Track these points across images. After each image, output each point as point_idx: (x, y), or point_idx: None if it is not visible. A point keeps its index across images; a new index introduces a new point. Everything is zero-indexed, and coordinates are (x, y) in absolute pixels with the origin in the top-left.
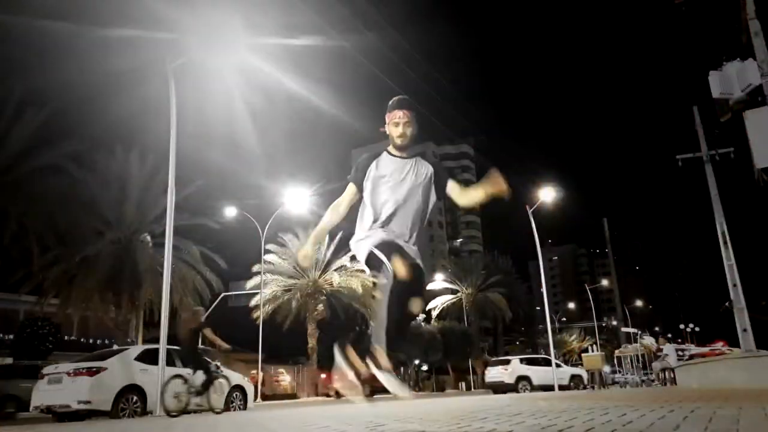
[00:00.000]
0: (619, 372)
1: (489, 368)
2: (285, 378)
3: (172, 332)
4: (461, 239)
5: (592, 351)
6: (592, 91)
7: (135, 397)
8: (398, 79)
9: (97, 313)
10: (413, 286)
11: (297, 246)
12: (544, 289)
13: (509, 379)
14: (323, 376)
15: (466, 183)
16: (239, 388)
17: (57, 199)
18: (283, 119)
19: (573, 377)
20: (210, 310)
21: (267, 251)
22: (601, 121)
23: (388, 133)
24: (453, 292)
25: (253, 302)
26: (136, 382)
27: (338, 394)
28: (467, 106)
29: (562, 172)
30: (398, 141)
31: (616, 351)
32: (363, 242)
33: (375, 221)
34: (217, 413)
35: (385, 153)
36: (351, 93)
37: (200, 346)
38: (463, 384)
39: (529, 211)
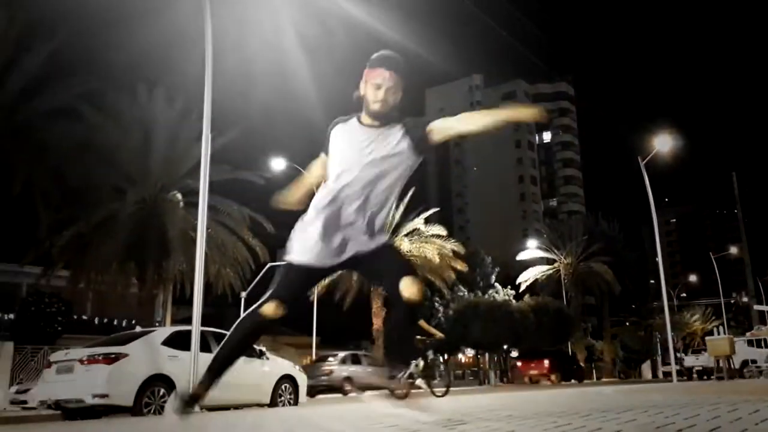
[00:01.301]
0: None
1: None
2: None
3: (207, 311)
4: (559, 198)
5: (718, 334)
6: (720, 9)
7: (162, 390)
8: (484, 2)
9: (116, 287)
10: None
11: None
12: (659, 259)
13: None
14: (519, 363)
15: (564, 129)
16: (289, 379)
17: (67, 149)
18: (341, 52)
19: None
20: (253, 284)
21: None
22: (732, 48)
23: (362, 93)
24: (549, 261)
25: None
26: (164, 372)
27: (531, 380)
28: (567, 35)
29: (682, 115)
30: (375, 106)
31: (748, 334)
32: (295, 236)
33: (326, 197)
34: (439, 396)
35: (354, 120)
36: (425, 20)
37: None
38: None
39: (642, 164)
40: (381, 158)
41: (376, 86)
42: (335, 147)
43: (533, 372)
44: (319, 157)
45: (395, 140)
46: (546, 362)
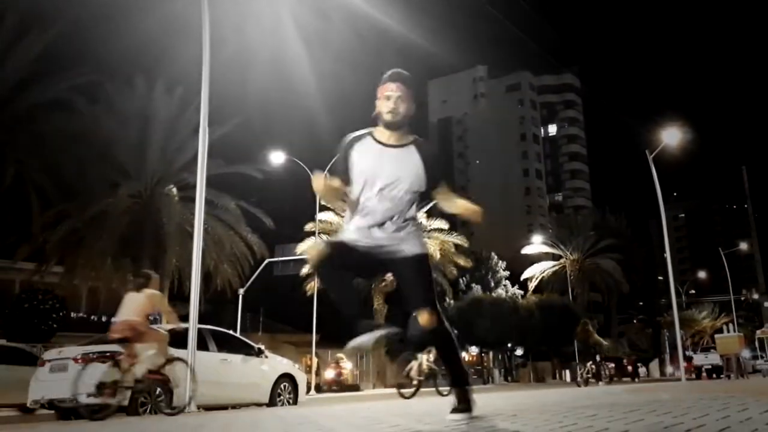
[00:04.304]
0: (762, 357)
1: None
2: (346, 365)
3: (205, 308)
4: (565, 192)
5: (728, 331)
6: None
7: (158, 389)
8: None
9: (111, 284)
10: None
11: None
12: (668, 255)
13: None
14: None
15: (570, 121)
16: (288, 378)
17: (62, 141)
18: (341, 42)
19: None
20: (251, 280)
21: (322, 207)
22: (742, 39)
23: (377, 110)
24: (554, 257)
25: (304, 270)
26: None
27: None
28: (573, 25)
29: (691, 108)
30: (387, 116)
31: (758, 331)
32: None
33: (357, 214)
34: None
35: (369, 138)
36: (428, 10)
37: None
38: (567, 372)
39: (650, 158)
40: (400, 176)
41: (386, 98)
42: (357, 166)
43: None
44: (333, 176)
45: (413, 161)
46: None
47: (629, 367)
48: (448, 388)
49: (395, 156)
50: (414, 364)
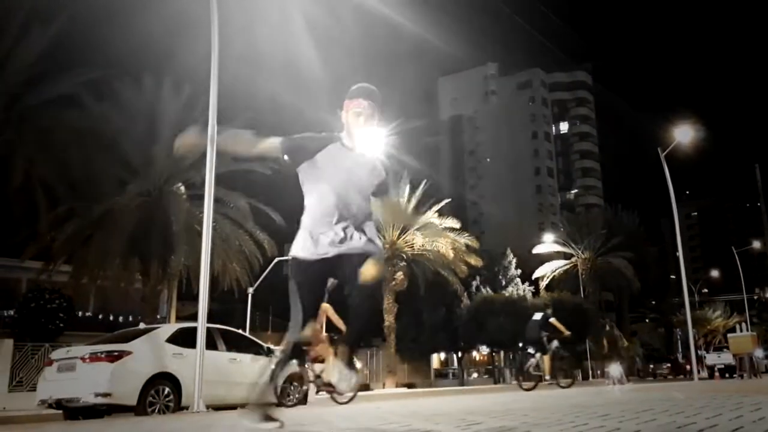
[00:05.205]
0: None
1: None
2: (356, 364)
3: (214, 307)
4: (576, 190)
5: (741, 331)
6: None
7: (167, 389)
8: None
9: (120, 283)
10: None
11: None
12: (680, 253)
13: None
14: None
15: (582, 119)
16: (297, 378)
17: (69, 139)
18: (351, 39)
19: None
20: (260, 279)
21: None
22: (755, 36)
23: (344, 121)
24: (566, 256)
25: None
26: (169, 370)
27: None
28: (585, 22)
29: (703, 105)
30: (356, 131)
31: None
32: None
33: (326, 216)
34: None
35: (339, 144)
36: (438, 6)
37: None
38: (579, 372)
39: (662, 156)
40: (360, 180)
41: (356, 114)
42: (323, 165)
43: None
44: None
45: (371, 168)
46: None
47: (687, 366)
48: (568, 380)
49: (357, 160)
50: (533, 361)
